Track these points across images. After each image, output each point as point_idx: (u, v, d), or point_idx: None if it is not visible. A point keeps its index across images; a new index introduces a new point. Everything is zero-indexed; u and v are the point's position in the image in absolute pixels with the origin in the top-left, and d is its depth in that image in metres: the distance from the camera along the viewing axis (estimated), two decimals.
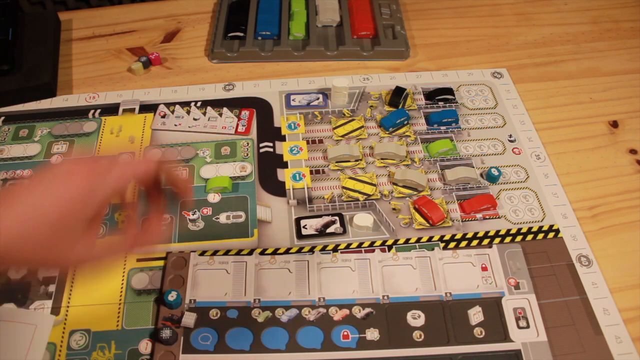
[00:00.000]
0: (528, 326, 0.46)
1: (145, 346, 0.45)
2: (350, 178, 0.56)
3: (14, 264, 0.37)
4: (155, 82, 0.67)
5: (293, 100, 0.64)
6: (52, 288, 0.48)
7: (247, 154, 0.58)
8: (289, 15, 0.73)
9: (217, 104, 0.64)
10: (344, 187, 0.55)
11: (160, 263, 0.50)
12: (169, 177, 0.40)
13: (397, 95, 0.63)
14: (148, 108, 0.63)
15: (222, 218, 0.53)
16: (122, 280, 0.49)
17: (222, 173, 0.56)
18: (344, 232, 0.52)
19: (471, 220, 0.53)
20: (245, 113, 0.62)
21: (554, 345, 0.45)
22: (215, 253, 0.50)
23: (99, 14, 0.76)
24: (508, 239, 0.51)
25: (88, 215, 0.36)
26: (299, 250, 0.51)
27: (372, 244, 0.51)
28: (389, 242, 0.51)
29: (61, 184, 0.36)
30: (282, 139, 0.60)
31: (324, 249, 0.51)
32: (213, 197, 0.54)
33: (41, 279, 0.48)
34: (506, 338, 0.45)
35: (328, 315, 0.47)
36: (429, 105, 0.63)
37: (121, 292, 0.48)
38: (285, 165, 0.57)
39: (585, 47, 0.72)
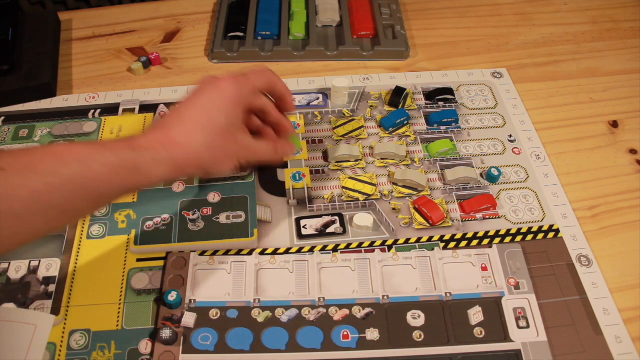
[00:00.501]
0: (528, 326, 0.46)
1: (145, 346, 0.45)
2: (350, 178, 0.56)
3: (205, 169, 0.44)
4: (155, 82, 0.67)
5: (293, 100, 0.64)
6: (52, 288, 0.48)
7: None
8: (289, 15, 0.73)
9: None
10: (344, 187, 0.55)
11: (160, 263, 0.50)
12: (281, 87, 0.50)
13: (397, 95, 0.63)
14: (148, 108, 0.63)
15: (222, 218, 0.53)
16: (122, 280, 0.49)
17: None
18: (344, 232, 0.52)
19: (471, 220, 0.53)
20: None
21: (554, 345, 0.45)
22: (215, 253, 0.50)
23: (99, 14, 0.76)
24: (508, 239, 0.51)
25: (244, 111, 0.46)
26: (299, 250, 0.51)
27: (372, 244, 0.51)
28: (389, 242, 0.51)
29: (215, 92, 0.44)
30: None
31: (324, 249, 0.51)
32: (213, 197, 0.54)
33: (41, 279, 0.49)
34: (506, 338, 0.45)
35: (328, 315, 0.47)
36: (429, 105, 0.63)
37: (121, 292, 0.48)
38: (285, 165, 0.57)
39: (585, 47, 0.72)
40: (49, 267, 0.49)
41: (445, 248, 0.51)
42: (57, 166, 0.36)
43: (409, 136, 0.60)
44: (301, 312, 0.47)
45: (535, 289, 0.48)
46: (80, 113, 0.63)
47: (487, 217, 0.53)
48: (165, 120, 0.43)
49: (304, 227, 0.52)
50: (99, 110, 0.63)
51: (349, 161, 0.58)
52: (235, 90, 0.45)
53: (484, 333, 0.46)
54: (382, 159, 0.58)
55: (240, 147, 0.46)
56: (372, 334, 0.46)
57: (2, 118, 0.62)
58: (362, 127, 0.61)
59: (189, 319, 0.45)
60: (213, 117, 0.43)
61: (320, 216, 0.53)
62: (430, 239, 0.51)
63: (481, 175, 0.57)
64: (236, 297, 0.47)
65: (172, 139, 0.41)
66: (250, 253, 0.50)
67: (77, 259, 0.50)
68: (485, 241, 0.51)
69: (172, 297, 0.46)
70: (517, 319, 0.46)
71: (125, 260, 0.50)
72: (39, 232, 0.37)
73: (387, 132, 0.60)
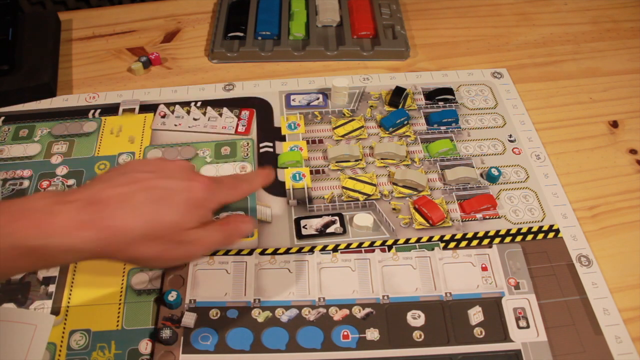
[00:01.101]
0: (528, 326, 0.46)
1: (145, 346, 0.45)
2: (350, 178, 0.56)
3: (141, 259, 0.39)
4: (155, 82, 0.67)
5: (293, 100, 0.64)
6: (52, 288, 0.48)
7: (247, 154, 0.58)
8: (289, 15, 0.73)
9: (217, 104, 0.64)
10: (344, 187, 0.55)
11: None
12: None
13: (397, 95, 0.63)
14: (148, 108, 0.63)
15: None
16: (122, 280, 0.49)
17: (222, 173, 0.56)
18: (344, 232, 0.52)
19: (471, 220, 0.53)
20: (245, 113, 0.62)
21: (554, 345, 0.45)
22: (215, 253, 0.50)
23: (99, 14, 0.76)
24: (508, 239, 0.51)
25: (200, 219, 0.40)
26: (299, 250, 0.51)
27: (372, 244, 0.51)
28: (389, 242, 0.51)
29: (184, 182, 0.39)
30: (282, 139, 0.60)
31: (324, 249, 0.51)
32: None
33: (41, 279, 0.48)
34: (506, 338, 0.45)
35: (328, 315, 0.47)
36: (429, 105, 0.63)
37: (121, 292, 0.48)
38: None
39: (585, 47, 0.72)
40: None
41: (445, 248, 0.51)
42: None
43: (409, 136, 0.60)
44: (301, 312, 0.47)
45: (535, 289, 0.48)
46: (80, 113, 0.63)
47: (487, 217, 0.53)
48: (100, 195, 0.37)
49: (304, 227, 0.52)
50: (99, 110, 0.63)
51: (349, 161, 0.58)
52: (202, 199, 0.40)
53: (484, 333, 0.46)
54: (382, 159, 0.58)
55: (184, 244, 0.39)
56: (372, 334, 0.46)
57: (2, 118, 0.62)
58: (362, 127, 0.61)
59: (189, 319, 0.45)
60: (164, 211, 0.38)
61: (320, 216, 0.53)
62: (430, 239, 0.51)
63: (481, 175, 0.57)
64: (236, 297, 0.47)
65: (101, 223, 0.36)
66: (250, 253, 0.50)
67: None
68: (485, 241, 0.51)
69: (172, 297, 0.46)
70: (517, 319, 0.46)
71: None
72: None
73: (387, 132, 0.60)
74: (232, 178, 0.45)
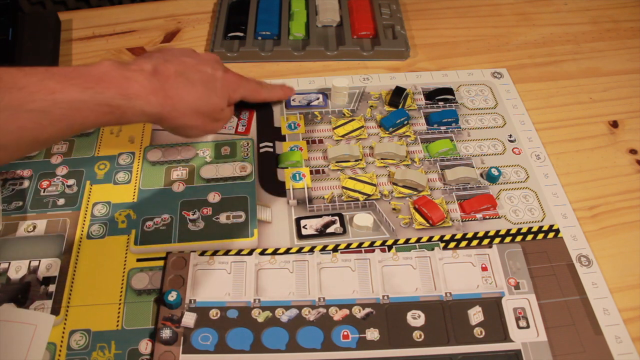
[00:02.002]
0: (528, 326, 0.46)
1: (145, 346, 0.45)
2: (350, 178, 0.56)
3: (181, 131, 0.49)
4: None
5: (293, 100, 0.64)
6: (52, 288, 0.48)
7: (247, 154, 0.58)
8: (289, 15, 0.73)
9: None
10: (344, 187, 0.55)
11: (160, 263, 0.50)
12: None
13: (397, 95, 0.63)
14: None
15: (222, 218, 0.53)
16: (122, 280, 0.49)
17: (222, 173, 0.56)
18: (344, 232, 0.52)
19: (471, 220, 0.53)
20: (245, 113, 0.62)
21: (554, 345, 0.45)
22: (215, 253, 0.50)
23: (99, 14, 0.76)
24: (508, 239, 0.51)
25: (228, 103, 0.52)
26: (299, 250, 0.51)
27: (372, 244, 0.51)
28: (389, 242, 0.51)
29: (221, 73, 0.50)
30: (282, 139, 0.60)
31: (324, 249, 0.51)
32: (213, 197, 0.54)
33: (41, 279, 0.49)
34: (506, 338, 0.45)
35: (328, 315, 0.47)
36: (429, 105, 0.63)
37: (121, 292, 0.48)
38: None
39: (585, 47, 0.72)
40: (49, 267, 0.49)
41: (445, 248, 0.51)
42: (49, 106, 0.37)
43: (409, 136, 0.60)
44: (301, 312, 0.47)
45: (535, 289, 0.48)
46: None
47: (487, 217, 0.53)
48: (162, 68, 0.45)
49: (304, 227, 0.52)
50: None
51: (349, 161, 0.58)
52: (232, 90, 0.52)
53: (484, 333, 0.46)
54: (382, 159, 0.58)
55: (217, 120, 0.51)
56: (372, 334, 0.46)
57: None
58: (362, 127, 0.61)
59: (189, 319, 0.45)
60: (210, 93, 0.49)
61: (320, 216, 0.53)
62: (430, 239, 0.51)
63: (481, 175, 0.57)
64: (236, 297, 0.47)
65: (166, 92, 0.44)
66: (250, 253, 0.50)
67: (77, 259, 0.50)
68: (485, 241, 0.51)
69: (172, 297, 0.46)
70: (517, 319, 0.46)
71: (125, 260, 0.50)
72: (15, 158, 0.39)
73: (387, 132, 0.60)
74: (256, 83, 0.56)
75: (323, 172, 0.57)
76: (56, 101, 0.38)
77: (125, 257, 0.50)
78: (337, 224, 0.53)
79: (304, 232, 0.52)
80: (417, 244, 0.51)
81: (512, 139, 0.60)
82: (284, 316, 0.46)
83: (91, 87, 0.40)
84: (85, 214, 0.53)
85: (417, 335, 0.45)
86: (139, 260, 0.50)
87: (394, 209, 0.54)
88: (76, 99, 0.39)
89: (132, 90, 0.42)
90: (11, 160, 0.39)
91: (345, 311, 0.47)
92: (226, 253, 0.50)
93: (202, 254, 0.50)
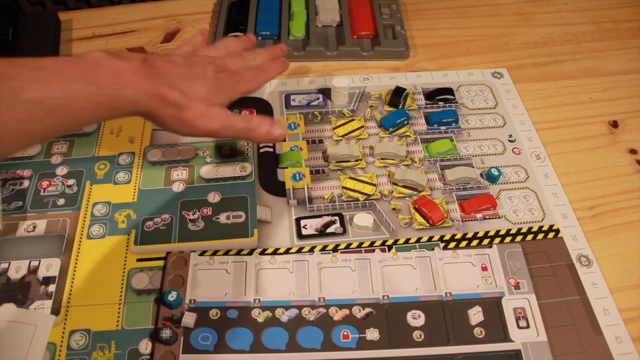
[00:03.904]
0: (528, 326, 0.46)
1: (145, 346, 0.45)
2: (350, 178, 0.56)
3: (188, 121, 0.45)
4: None
5: (293, 100, 0.64)
6: (52, 288, 0.48)
7: (247, 154, 0.58)
8: (289, 15, 0.73)
9: None
10: (344, 187, 0.55)
11: (160, 263, 0.50)
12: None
13: (397, 95, 0.63)
14: None
15: (222, 218, 0.53)
16: (122, 280, 0.49)
17: (222, 174, 0.56)
18: (344, 232, 0.52)
19: (471, 220, 0.53)
20: (245, 113, 0.62)
21: (554, 345, 0.45)
22: (215, 253, 0.50)
23: (99, 14, 0.76)
24: (508, 239, 0.51)
25: (224, 102, 0.48)
26: (299, 250, 0.51)
27: (372, 244, 0.51)
28: (389, 242, 0.51)
29: (214, 72, 0.48)
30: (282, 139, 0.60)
31: (324, 249, 0.51)
32: (213, 197, 0.54)
33: (41, 279, 0.49)
34: (506, 338, 0.45)
35: (328, 315, 0.47)
36: (429, 105, 0.63)
37: (121, 292, 0.48)
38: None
39: (585, 47, 0.72)
40: (49, 267, 0.49)
41: (445, 248, 0.51)
42: (44, 96, 0.37)
43: (409, 136, 0.60)
44: (301, 312, 0.47)
45: (535, 289, 0.48)
46: None
47: (487, 217, 0.53)
48: (151, 58, 0.44)
49: (304, 227, 0.52)
50: None
51: (349, 161, 0.58)
52: (228, 86, 0.49)
53: (484, 333, 0.46)
54: (382, 159, 0.58)
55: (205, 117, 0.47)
56: (372, 334, 0.46)
57: None
58: (362, 127, 0.61)
59: (189, 319, 0.45)
60: (194, 86, 0.46)
61: (320, 216, 0.53)
62: (430, 239, 0.51)
63: (481, 175, 0.57)
64: (236, 297, 0.47)
65: (156, 80, 0.42)
66: (250, 253, 0.50)
67: (77, 259, 0.50)
68: (485, 241, 0.51)
69: (172, 297, 0.46)
70: (517, 319, 0.46)
71: (125, 260, 0.50)
72: (11, 153, 0.38)
73: (387, 132, 0.60)
74: (251, 71, 0.51)
75: (323, 172, 0.57)
76: (50, 90, 0.37)
77: (125, 257, 0.50)
78: (337, 224, 0.53)
79: (304, 232, 0.52)
80: (417, 244, 0.51)
81: (512, 139, 0.60)
82: (284, 316, 0.46)
83: (83, 76, 0.39)
84: (85, 214, 0.53)
85: (417, 335, 0.45)
86: (139, 260, 0.50)
87: (394, 209, 0.54)
88: (70, 89, 0.38)
89: (123, 79, 0.41)
90: (7, 155, 0.38)
91: (345, 311, 0.47)
92: (226, 253, 0.50)
93: (202, 253, 0.50)
